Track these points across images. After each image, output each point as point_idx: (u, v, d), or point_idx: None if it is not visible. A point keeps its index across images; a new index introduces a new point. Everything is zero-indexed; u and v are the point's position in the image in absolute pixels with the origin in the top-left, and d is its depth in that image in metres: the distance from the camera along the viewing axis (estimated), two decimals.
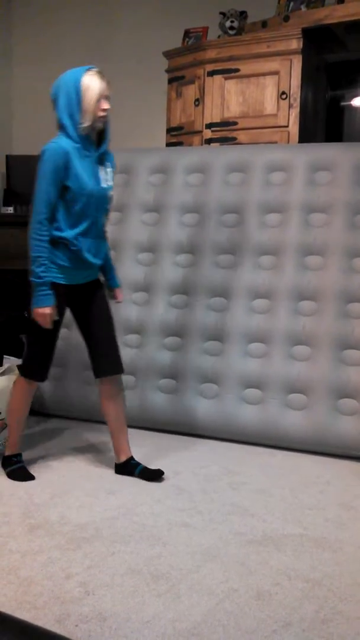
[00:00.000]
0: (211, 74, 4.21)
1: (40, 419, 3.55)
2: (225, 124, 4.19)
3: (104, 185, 2.60)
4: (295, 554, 2.13)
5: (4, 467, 2.76)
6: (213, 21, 4.41)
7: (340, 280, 3.26)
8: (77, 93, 2.48)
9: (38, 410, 3.62)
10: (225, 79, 4.18)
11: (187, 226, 3.64)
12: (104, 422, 2.86)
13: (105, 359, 2.72)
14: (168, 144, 4.51)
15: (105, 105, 2.51)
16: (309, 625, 1.75)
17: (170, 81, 4.52)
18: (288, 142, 4.01)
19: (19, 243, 4.59)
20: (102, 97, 2.50)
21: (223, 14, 4.23)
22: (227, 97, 4.19)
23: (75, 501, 2.50)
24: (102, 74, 2.53)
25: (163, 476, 2.73)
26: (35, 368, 2.69)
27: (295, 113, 4.01)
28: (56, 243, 2.53)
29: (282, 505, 2.52)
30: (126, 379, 3.47)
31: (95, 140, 2.58)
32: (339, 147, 3.62)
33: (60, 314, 2.62)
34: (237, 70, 4.13)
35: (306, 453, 3.12)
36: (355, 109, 4.60)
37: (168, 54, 4.54)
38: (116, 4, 5.39)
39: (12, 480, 2.69)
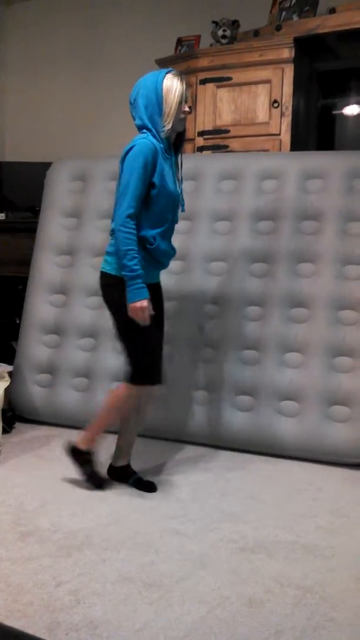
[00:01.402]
0: (203, 82, 4.23)
1: (32, 426, 3.53)
2: (218, 131, 4.20)
3: (179, 188, 2.62)
4: (286, 561, 2.13)
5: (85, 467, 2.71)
6: (205, 30, 4.43)
7: (332, 288, 3.27)
8: (158, 96, 2.48)
9: (29, 417, 3.61)
10: (218, 87, 4.20)
11: (179, 233, 3.62)
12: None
13: (153, 367, 2.61)
14: None
15: (185, 107, 2.52)
16: (300, 633, 1.74)
17: None
18: (280, 150, 4.03)
19: (10, 249, 4.60)
20: (183, 99, 2.51)
21: (215, 22, 4.26)
22: (219, 105, 4.21)
23: (66, 508, 2.49)
24: (182, 76, 2.54)
25: (156, 487, 2.70)
26: (151, 371, 2.57)
27: (287, 121, 4.03)
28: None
29: (274, 512, 2.52)
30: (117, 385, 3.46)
31: (174, 143, 2.59)
32: (330, 155, 3.64)
33: (152, 312, 2.49)
34: (230, 78, 4.15)
35: (298, 460, 3.12)
36: (346, 117, 4.63)
37: (160, 62, 4.55)
38: (109, 13, 5.41)
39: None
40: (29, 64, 5.75)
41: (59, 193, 3.91)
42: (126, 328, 2.51)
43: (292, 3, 4.15)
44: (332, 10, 3.91)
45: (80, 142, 5.24)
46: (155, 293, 2.66)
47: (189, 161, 3.81)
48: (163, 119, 2.48)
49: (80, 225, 3.82)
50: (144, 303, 2.42)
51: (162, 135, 2.50)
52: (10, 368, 3.64)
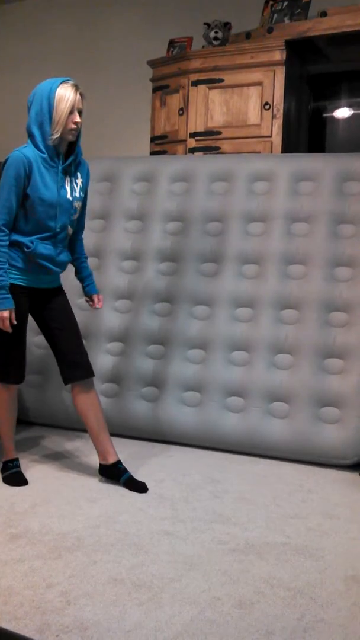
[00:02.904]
0: (195, 83, 4.24)
1: (21, 427, 3.52)
2: (209, 133, 4.21)
3: (68, 197, 2.61)
4: (277, 563, 2.14)
5: (2, 472, 2.78)
6: (197, 32, 4.45)
7: (322, 289, 3.28)
8: (50, 104, 2.47)
9: (19, 418, 3.59)
10: (209, 88, 4.21)
11: (171, 234, 3.65)
12: (85, 430, 2.85)
13: (74, 365, 2.71)
14: (152, 153, 4.53)
15: (76, 118, 2.51)
16: (290, 634, 1.75)
17: (154, 90, 4.54)
18: (271, 152, 4.05)
19: None
20: (75, 110, 2.50)
21: (207, 24, 4.27)
22: (211, 107, 4.22)
23: (56, 510, 2.48)
24: (77, 87, 2.52)
25: (147, 488, 2.71)
26: (9, 371, 2.68)
27: (278, 123, 4.05)
28: (12, 245, 2.55)
29: (264, 513, 2.53)
30: (109, 386, 3.46)
31: (65, 151, 2.58)
32: (321, 157, 3.65)
33: (23, 315, 2.63)
34: (221, 80, 4.17)
35: (288, 461, 3.13)
36: (337, 120, 4.65)
37: (152, 64, 4.56)
38: (102, 14, 5.41)
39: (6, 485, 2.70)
40: (21, 63, 5.74)
41: None
42: None
43: (284, 6, 4.17)
44: (324, 14, 3.94)
45: None
46: (49, 299, 2.71)
47: (180, 162, 3.83)
48: (52, 127, 2.48)
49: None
50: (4, 313, 2.51)
51: (49, 143, 2.50)
52: None
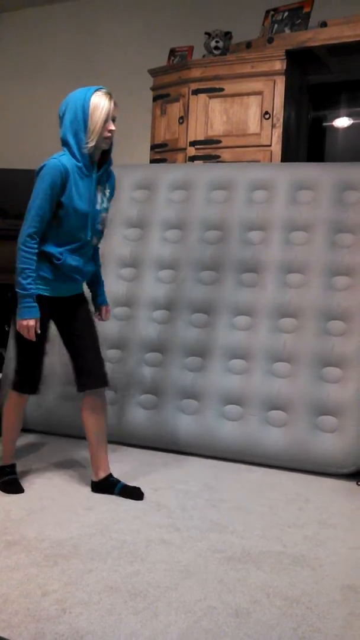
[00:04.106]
0: (196, 92, 4.25)
1: (20, 434, 3.51)
2: (209, 142, 4.23)
3: (98, 207, 2.60)
4: (273, 572, 2.13)
5: None
6: (198, 41, 4.47)
7: (321, 298, 3.28)
8: (85, 112, 2.47)
9: None
10: (210, 97, 4.23)
11: (170, 242, 3.66)
12: (82, 438, 2.84)
13: (90, 373, 2.70)
14: (152, 161, 4.54)
15: (111, 126, 2.52)
16: None
17: (155, 99, 4.56)
18: (271, 161, 4.06)
19: (0, 256, 4.58)
20: (110, 118, 2.51)
21: (208, 34, 4.29)
22: (211, 116, 4.23)
23: (52, 518, 2.48)
24: (111, 95, 2.53)
25: (142, 494, 2.70)
26: (26, 381, 2.68)
27: (278, 133, 4.06)
28: (40, 256, 2.53)
29: (261, 522, 2.52)
30: (107, 394, 3.45)
31: (98, 160, 2.58)
32: (320, 166, 3.66)
33: (45, 326, 2.62)
34: (222, 89, 4.18)
35: (285, 470, 3.12)
36: (336, 129, 4.67)
37: (153, 72, 4.58)
38: (103, 22, 5.44)
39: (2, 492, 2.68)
40: (21, 71, 5.77)
41: None
42: (16, 337, 2.60)
43: (284, 16, 4.20)
44: (324, 24, 3.96)
45: None
46: (72, 306, 2.70)
47: (180, 171, 3.84)
48: (87, 135, 2.48)
49: None
50: (30, 322, 2.50)
51: (85, 151, 2.50)
52: None
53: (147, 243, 3.68)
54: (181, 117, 4.32)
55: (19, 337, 2.57)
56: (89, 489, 2.77)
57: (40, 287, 2.55)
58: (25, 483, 2.81)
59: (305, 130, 4.56)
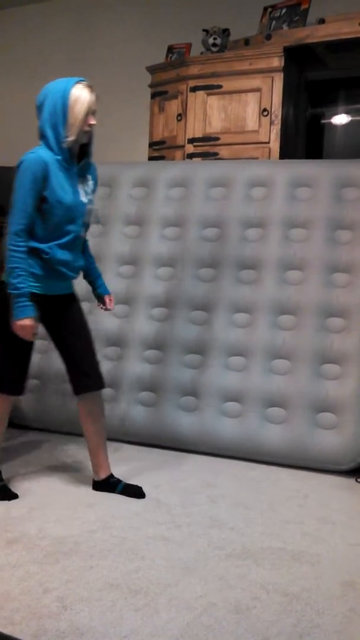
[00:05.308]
0: (194, 89, 4.25)
1: (19, 432, 3.52)
2: (207, 139, 4.23)
3: (83, 199, 2.55)
4: (273, 568, 2.14)
5: None
6: (196, 38, 4.46)
7: (320, 295, 3.29)
8: (65, 105, 2.40)
9: (17, 423, 3.59)
10: (208, 95, 4.22)
11: (169, 240, 3.66)
12: (82, 435, 2.84)
13: (85, 375, 2.64)
14: (150, 158, 4.54)
15: (92, 120, 2.45)
16: (287, 639, 1.75)
17: (153, 96, 4.56)
18: (269, 158, 4.06)
19: None
20: (90, 111, 2.44)
21: (206, 31, 4.28)
22: (209, 113, 4.23)
23: (53, 515, 2.48)
24: (92, 87, 2.45)
25: (143, 492, 2.69)
26: (11, 382, 2.59)
27: (276, 130, 4.06)
28: (29, 251, 2.47)
29: (261, 519, 2.53)
30: (106, 391, 3.46)
31: (77, 153, 2.52)
32: (319, 163, 3.67)
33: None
34: (220, 86, 4.18)
35: (285, 467, 3.13)
36: (334, 126, 4.68)
37: (151, 69, 4.58)
38: (100, 20, 5.43)
39: None
40: (19, 69, 5.76)
41: None
42: (5, 336, 2.51)
43: (282, 13, 4.20)
44: (322, 21, 3.96)
45: None
46: (63, 306, 2.64)
47: (178, 168, 3.84)
48: (66, 129, 2.40)
49: None
50: (27, 322, 2.42)
51: (64, 145, 2.42)
52: None
53: (145, 240, 3.69)
54: (179, 115, 4.32)
55: (8, 336, 2.48)
56: (89, 486, 2.77)
57: (31, 283, 2.48)
58: (25, 480, 2.81)
59: (304, 127, 4.56)
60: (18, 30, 5.80)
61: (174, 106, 4.37)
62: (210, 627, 1.80)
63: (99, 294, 2.82)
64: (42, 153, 2.43)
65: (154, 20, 5.17)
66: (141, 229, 3.73)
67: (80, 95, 2.41)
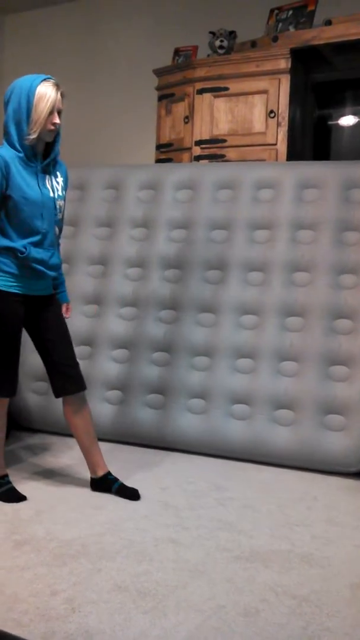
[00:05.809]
0: (200, 92, 4.26)
1: (26, 434, 3.53)
2: (215, 141, 4.23)
3: (51, 195, 2.52)
4: (282, 570, 2.13)
5: None
6: (203, 40, 4.47)
7: (328, 297, 3.28)
8: (29, 102, 2.38)
9: (25, 425, 3.60)
10: (215, 97, 4.23)
11: (176, 242, 3.66)
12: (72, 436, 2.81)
13: (66, 378, 2.63)
14: (157, 161, 4.55)
15: (56, 119, 2.43)
16: None
17: (160, 98, 4.57)
18: (276, 160, 4.06)
19: None
20: (55, 110, 2.42)
21: (213, 33, 4.29)
22: (216, 115, 4.24)
23: (61, 517, 2.48)
24: (58, 86, 2.44)
25: (139, 495, 2.68)
26: (1, 383, 2.56)
27: (283, 131, 4.06)
28: (5, 251, 2.46)
29: (269, 521, 2.52)
30: (114, 394, 3.47)
31: (43, 150, 2.50)
32: (326, 165, 3.66)
33: (19, 324, 2.54)
34: (227, 88, 4.18)
35: (293, 469, 3.12)
36: (342, 127, 4.66)
37: (158, 72, 4.59)
38: (107, 23, 5.45)
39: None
40: (26, 72, 5.78)
41: None
42: None
43: (289, 14, 4.20)
44: (328, 22, 3.95)
45: (78, 151, 5.27)
46: (42, 307, 2.61)
47: (185, 170, 3.84)
48: (29, 127, 2.38)
49: (76, 233, 3.83)
50: None
51: (26, 143, 2.40)
52: None
53: (153, 243, 3.69)
54: (186, 117, 4.33)
55: None
56: None
57: (10, 283, 2.47)
58: (33, 482, 2.81)
59: (311, 128, 4.56)
60: (25, 35, 5.82)
61: (181, 108, 4.38)
62: (219, 629, 1.79)
63: (59, 301, 2.75)
64: (3, 151, 2.41)
65: (160, 23, 5.18)
66: (148, 232, 3.73)
67: (46, 92, 2.40)
